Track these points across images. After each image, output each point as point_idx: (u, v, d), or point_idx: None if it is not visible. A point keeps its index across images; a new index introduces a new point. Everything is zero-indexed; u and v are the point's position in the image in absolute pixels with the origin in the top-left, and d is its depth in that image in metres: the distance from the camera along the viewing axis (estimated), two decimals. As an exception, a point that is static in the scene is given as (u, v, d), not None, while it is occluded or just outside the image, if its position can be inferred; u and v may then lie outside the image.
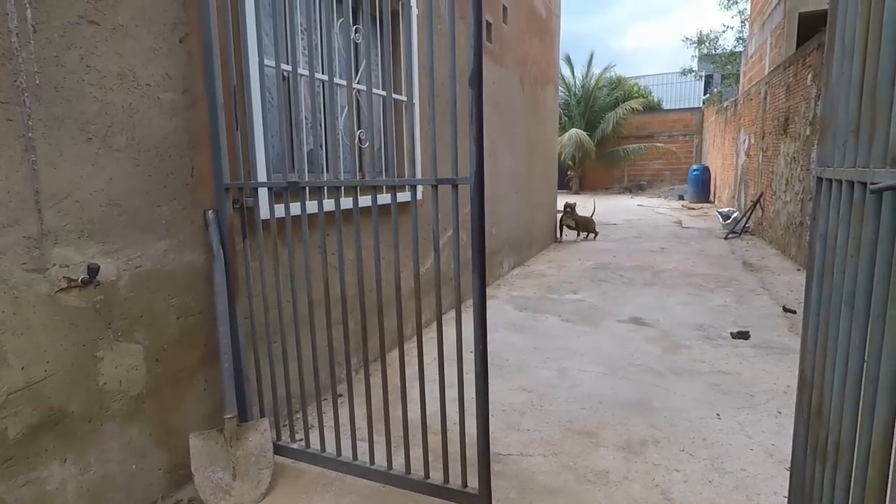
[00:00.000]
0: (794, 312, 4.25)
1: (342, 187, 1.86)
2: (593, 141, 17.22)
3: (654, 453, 2.22)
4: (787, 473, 2.06)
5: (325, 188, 2.05)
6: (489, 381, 1.83)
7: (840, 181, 1.10)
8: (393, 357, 2.87)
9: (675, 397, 2.75)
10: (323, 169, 2.66)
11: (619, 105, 17.62)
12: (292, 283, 2.01)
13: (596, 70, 18.47)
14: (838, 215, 1.11)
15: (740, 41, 15.09)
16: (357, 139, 2.91)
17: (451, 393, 1.90)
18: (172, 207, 1.92)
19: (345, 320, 1.97)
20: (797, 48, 7.61)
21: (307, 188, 1.91)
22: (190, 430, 1.99)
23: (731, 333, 3.71)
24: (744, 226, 8.62)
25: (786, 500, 1.90)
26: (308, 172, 2.49)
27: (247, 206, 2.06)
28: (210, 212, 2.02)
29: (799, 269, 5.88)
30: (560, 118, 14.06)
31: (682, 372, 3.08)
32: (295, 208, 2.01)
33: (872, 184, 0.95)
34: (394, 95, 3.22)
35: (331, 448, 2.11)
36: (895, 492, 0.93)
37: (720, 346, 3.51)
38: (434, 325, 3.79)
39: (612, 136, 17.56)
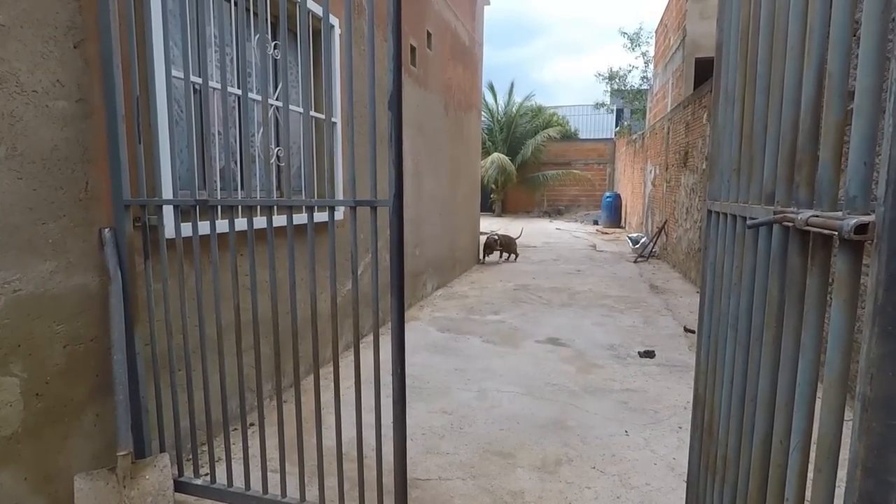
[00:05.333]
0: (693, 332, 4.59)
1: (257, 206, 1.79)
2: (515, 165, 17.89)
3: (567, 472, 2.28)
4: (685, 485, 2.20)
5: (239, 207, 1.97)
6: (410, 404, 1.81)
7: (725, 214, 1.21)
8: (309, 383, 2.76)
9: (587, 416, 2.85)
10: (237, 187, 2.55)
11: (539, 132, 18.48)
12: (199, 307, 1.89)
13: (517, 98, 19.34)
14: (724, 245, 1.22)
15: (644, 80, 16.42)
16: (275, 157, 2.83)
17: (369, 418, 1.86)
18: (62, 225, 1.75)
19: (257, 345, 1.87)
20: (695, 89, 8.38)
21: (219, 206, 1.82)
22: (76, 471, 1.79)
23: (639, 353, 3.94)
24: (651, 250, 9.26)
25: (685, 510, 2.02)
26: (220, 190, 2.37)
27: (150, 224, 1.92)
28: (107, 230, 1.87)
29: (698, 292, 6.37)
30: (483, 143, 14.51)
31: (595, 390, 3.21)
32: (204, 227, 1.91)
33: (751, 219, 1.05)
34: (313, 113, 3.18)
35: (239, 482, 1.98)
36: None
37: (629, 364, 3.71)
38: (352, 349, 3.71)
39: (532, 161, 18.35)
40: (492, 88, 18.76)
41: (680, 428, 2.71)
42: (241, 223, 1.96)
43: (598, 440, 2.58)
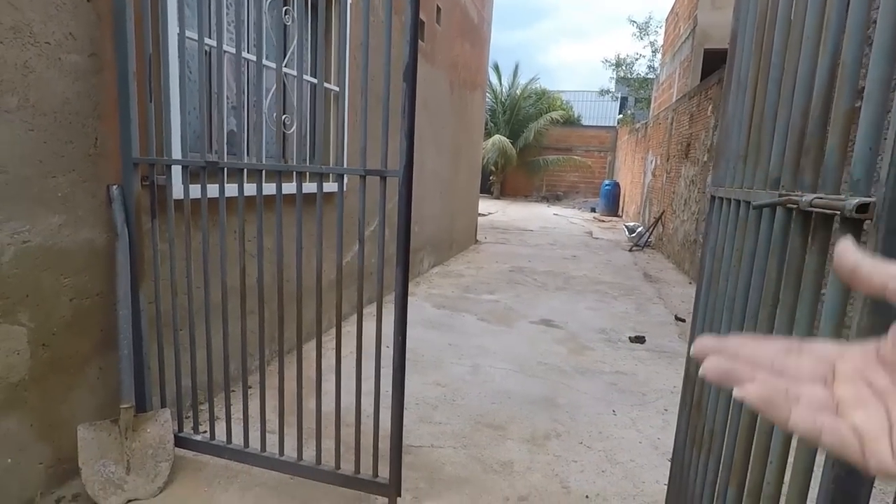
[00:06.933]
0: (683, 321, 4.67)
1: (264, 171, 1.81)
2: (516, 149, 17.82)
3: (555, 445, 2.36)
4: (669, 464, 2.27)
5: (246, 171, 1.98)
6: (405, 375, 1.86)
7: (729, 199, 1.25)
8: (309, 349, 2.81)
9: (577, 395, 2.93)
10: (244, 152, 2.56)
11: (542, 116, 18.37)
12: (205, 269, 1.92)
13: (522, 80, 19.17)
14: (726, 230, 1.25)
15: (651, 69, 16.30)
16: (282, 124, 2.83)
17: (367, 386, 1.91)
18: (70, 179, 1.76)
19: (261, 310, 1.91)
20: (701, 80, 8.36)
21: (226, 169, 1.83)
22: (80, 422, 1.84)
23: (630, 338, 4.01)
24: (646, 240, 9.32)
25: (666, 487, 2.10)
26: (228, 154, 2.38)
27: (158, 184, 1.93)
28: (115, 187, 1.88)
29: (691, 283, 6.45)
30: (485, 124, 14.43)
31: (586, 371, 3.28)
32: (212, 190, 1.93)
33: (755, 202, 1.09)
34: (325, 84, 3.17)
35: (237, 440, 2.04)
36: (754, 473, 1.07)
37: (620, 348, 3.78)
38: (353, 318, 3.75)
39: (533, 145, 18.27)
40: (497, 69, 18.58)
41: (666, 410, 2.79)
42: (249, 188, 1.97)
43: (587, 418, 2.65)
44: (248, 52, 2.51)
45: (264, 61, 1.78)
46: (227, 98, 2.46)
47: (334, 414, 1.90)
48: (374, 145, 2.98)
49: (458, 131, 6.66)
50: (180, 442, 2.03)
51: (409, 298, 4.83)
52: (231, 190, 1.95)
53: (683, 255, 7.25)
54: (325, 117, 3.20)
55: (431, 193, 5.87)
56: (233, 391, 2.57)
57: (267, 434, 2.03)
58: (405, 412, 2.50)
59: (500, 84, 19.00)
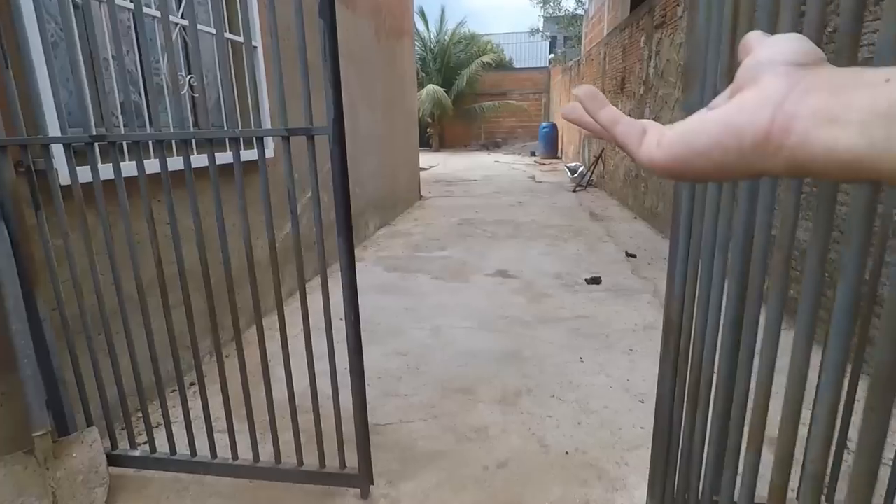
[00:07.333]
0: (634, 257, 4.72)
1: (168, 142, 1.52)
2: (450, 97, 17.36)
3: (527, 402, 2.28)
4: (642, 406, 2.25)
5: (144, 145, 1.67)
6: (363, 348, 1.68)
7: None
8: (252, 335, 2.58)
9: (542, 345, 2.86)
10: (145, 123, 2.20)
11: (473, 61, 17.90)
12: (112, 263, 1.63)
13: (450, 25, 18.49)
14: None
15: (580, 3, 16.07)
16: (188, 86, 2.46)
17: (322, 365, 1.72)
18: (-82, 173, 1.41)
19: (187, 300, 1.66)
20: (631, 12, 8.25)
21: (124, 145, 1.53)
22: (-17, 458, 1.57)
23: (586, 280, 3.99)
24: (588, 179, 9.39)
25: (643, 430, 2.08)
26: (124, 126, 2.03)
27: (36, 168, 1.60)
28: (-19, 177, 1.54)
29: (636, 218, 6.54)
30: (417, 74, 13.88)
31: (548, 320, 3.23)
32: (108, 171, 1.62)
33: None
34: (228, 35, 2.78)
35: (183, 448, 1.82)
36: (754, 423, 0.99)
37: (577, 292, 3.75)
38: (297, 295, 3.51)
39: (468, 92, 17.86)
40: (423, 15, 17.79)
41: (631, 350, 2.78)
42: (153, 165, 1.68)
43: (555, 368, 2.59)
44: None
45: (148, 10, 1.46)
46: (113, 58, 2.08)
47: (288, 402, 1.72)
48: (298, 103, 2.67)
49: (389, 83, 6.28)
50: (116, 461, 1.80)
51: (358, 264, 4.59)
52: (129, 168, 1.64)
53: (626, 191, 7.33)
54: (238, 74, 2.84)
55: (368, 151, 5.55)
56: (171, 391, 2.33)
57: (216, 435, 1.82)
58: (368, 389, 2.35)
59: (428, 31, 18.26)
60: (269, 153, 3.03)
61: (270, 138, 3.09)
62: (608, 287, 3.85)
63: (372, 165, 5.67)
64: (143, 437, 1.93)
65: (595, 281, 3.97)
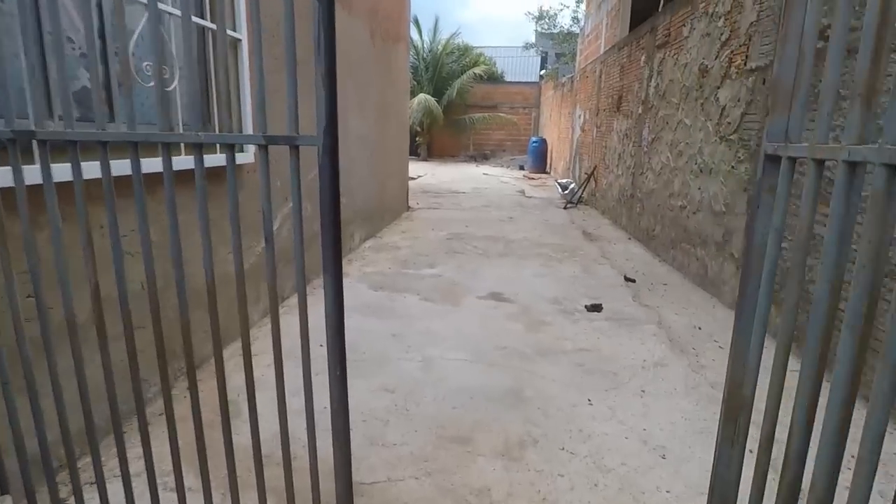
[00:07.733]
0: (633, 281, 4.48)
1: (114, 144, 1.21)
2: (441, 107, 17.16)
3: (534, 456, 1.99)
4: (664, 462, 1.98)
5: (80, 145, 1.35)
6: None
7: (821, 161, 0.84)
8: (209, 368, 2.24)
9: (544, 382, 2.58)
10: (108, 117, 1.88)
11: (465, 72, 17.75)
12: (36, 288, 1.31)
13: (443, 36, 18.35)
14: (813, 203, 0.86)
15: (575, 20, 16.06)
16: (159, 77, 2.14)
17: (296, 403, 1.41)
18: None
19: (128, 332, 1.34)
20: (630, 30, 8.13)
21: (47, 143, 1.21)
22: None
23: (586, 306, 3.73)
24: (579, 196, 9.21)
25: (669, 494, 1.80)
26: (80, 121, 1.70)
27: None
28: None
29: (630, 238, 6.34)
30: (409, 81, 13.62)
31: (548, 352, 2.95)
32: (35, 174, 1.29)
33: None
34: (197, 20, 2.48)
35: (122, 514, 1.49)
36: None
37: (577, 320, 3.49)
38: (267, 320, 3.18)
39: (458, 103, 17.69)
40: (417, 23, 17.61)
41: (643, 392, 2.51)
42: (90, 168, 1.36)
43: (561, 412, 2.31)
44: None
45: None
46: (71, 41, 1.75)
47: (252, 452, 1.39)
48: (281, 104, 2.37)
49: (382, 89, 6.00)
50: (35, 529, 1.45)
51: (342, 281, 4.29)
52: (62, 172, 1.32)
53: (619, 210, 7.14)
54: (212, 68, 2.52)
55: (358, 159, 5.25)
56: (111, 445, 1.98)
57: (162, 494, 1.50)
58: (350, 433, 2.04)
59: (422, 39, 18.08)
60: (249, 158, 2.71)
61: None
62: (609, 315, 3.59)
63: (362, 174, 5.37)
64: (71, 502, 1.58)
65: (596, 308, 3.71)
